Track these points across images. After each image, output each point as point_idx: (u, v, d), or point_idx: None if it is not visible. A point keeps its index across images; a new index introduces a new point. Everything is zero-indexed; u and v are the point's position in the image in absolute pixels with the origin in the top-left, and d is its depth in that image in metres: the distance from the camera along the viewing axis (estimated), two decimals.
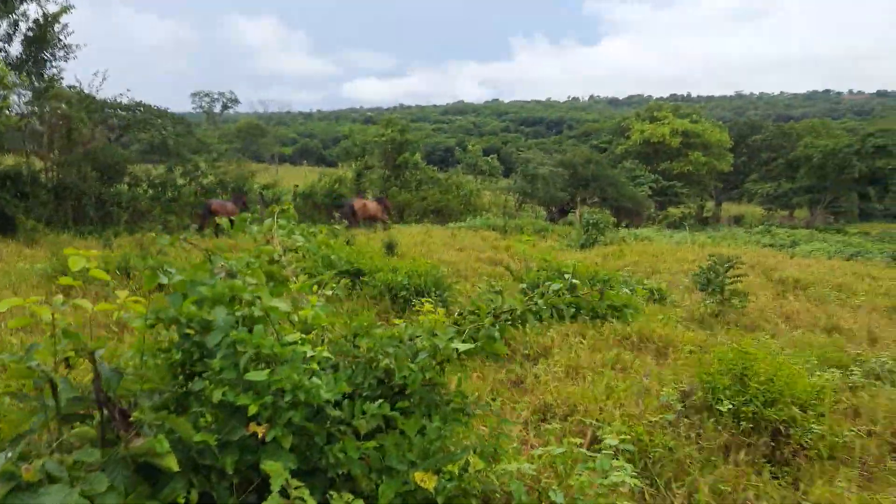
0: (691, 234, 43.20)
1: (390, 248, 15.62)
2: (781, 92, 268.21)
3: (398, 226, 27.47)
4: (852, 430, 5.78)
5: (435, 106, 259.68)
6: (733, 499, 4.68)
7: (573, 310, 9.00)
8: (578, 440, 4.77)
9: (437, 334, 2.92)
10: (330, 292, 3.83)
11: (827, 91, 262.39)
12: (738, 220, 65.19)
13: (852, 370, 7.43)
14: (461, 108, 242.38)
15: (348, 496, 2.45)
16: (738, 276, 10.58)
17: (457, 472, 2.75)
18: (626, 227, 47.37)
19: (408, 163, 32.34)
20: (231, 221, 4.23)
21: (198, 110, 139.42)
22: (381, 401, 2.68)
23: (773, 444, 5.44)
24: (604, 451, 4.27)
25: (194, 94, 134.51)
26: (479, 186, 39.36)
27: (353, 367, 2.88)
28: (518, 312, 3.14)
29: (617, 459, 4.14)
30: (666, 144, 57.97)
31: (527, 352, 7.86)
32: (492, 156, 42.14)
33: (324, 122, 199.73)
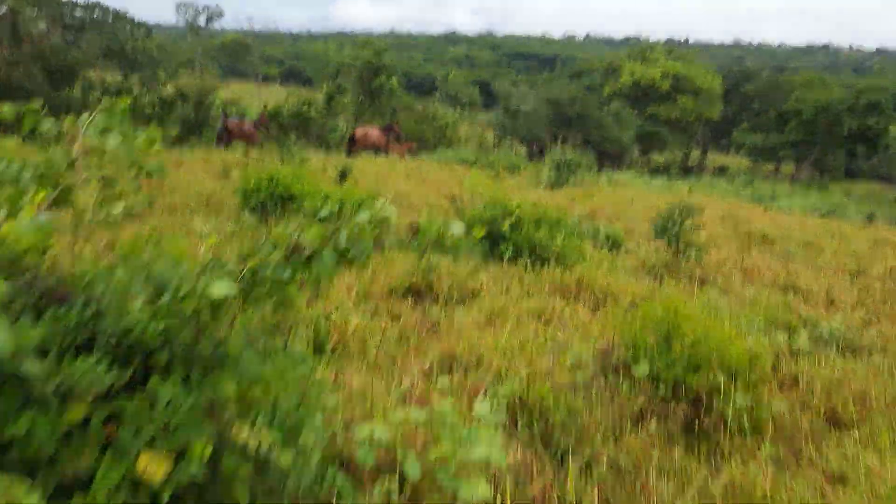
0: (670, 181, 42.52)
1: (343, 175, 14.77)
2: (781, 43, 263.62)
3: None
4: (784, 402, 5.20)
5: (427, 36, 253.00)
6: (634, 476, 4.09)
7: (509, 250, 8.16)
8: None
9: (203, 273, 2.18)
10: (120, 209, 3.03)
11: (826, 46, 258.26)
12: (722, 171, 64.43)
13: (799, 334, 6.85)
14: (454, 39, 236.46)
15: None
16: (695, 227, 9.91)
17: (199, 453, 2.03)
18: (605, 170, 46.66)
19: (383, 88, 30.98)
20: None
21: (181, 22, 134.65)
22: (97, 356, 1.95)
23: (693, 414, 4.85)
24: (481, 417, 3.62)
25: (178, 5, 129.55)
26: (457, 118, 38.12)
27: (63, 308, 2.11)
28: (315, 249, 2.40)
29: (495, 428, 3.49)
30: (656, 87, 56.54)
31: (452, 293, 7.19)
32: (474, 86, 40.71)
33: (313, 44, 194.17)
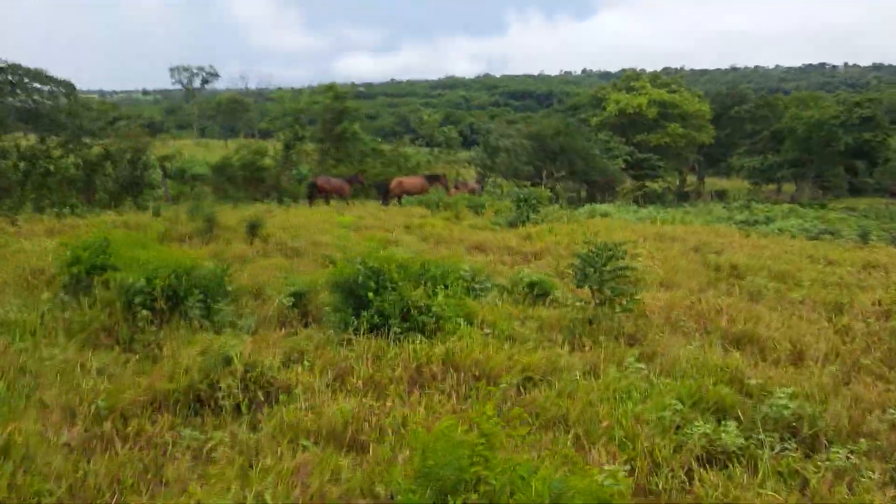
0: (659, 209, 40.62)
1: (253, 228, 13.03)
2: (777, 65, 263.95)
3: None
4: None
5: (427, 81, 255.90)
6: None
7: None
8: None
9: None
10: None
11: (822, 64, 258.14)
12: (721, 195, 62.49)
13: (727, 426, 4.89)
14: (452, 83, 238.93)
15: None
16: (621, 269, 7.99)
17: None
18: (592, 202, 44.84)
19: (346, 133, 29.46)
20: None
21: (176, 85, 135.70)
22: None
23: None
24: None
25: (173, 69, 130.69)
26: (431, 158, 36.58)
27: None
28: None
29: None
30: (642, 115, 55.10)
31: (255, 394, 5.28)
32: (449, 126, 39.23)
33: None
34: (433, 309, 6.75)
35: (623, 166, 51.89)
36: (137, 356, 6.21)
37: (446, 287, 7.27)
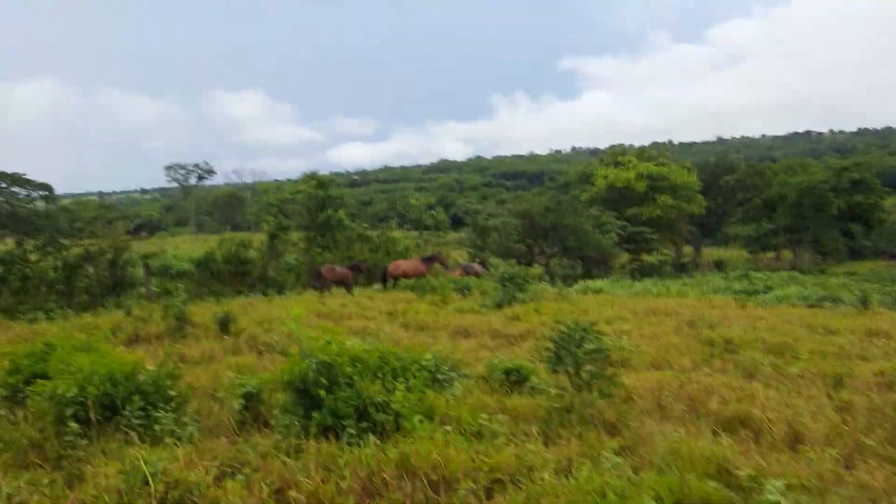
0: (656, 282, 40.16)
1: (224, 323, 12.51)
2: (763, 135, 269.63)
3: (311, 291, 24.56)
4: None
5: (419, 166, 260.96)
6: None
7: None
8: None
9: None
10: None
11: (808, 132, 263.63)
12: (719, 265, 62.19)
13: None
14: (444, 167, 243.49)
15: None
16: (598, 350, 7.45)
17: None
18: (588, 278, 44.43)
19: (330, 220, 29.36)
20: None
21: (172, 183, 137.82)
22: None
23: None
24: None
25: (168, 168, 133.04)
26: (420, 242, 36.44)
27: None
28: None
29: None
30: (632, 189, 55.44)
31: None
32: (437, 209, 39.28)
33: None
34: (392, 406, 6.18)
35: (617, 241, 51.77)
36: (63, 476, 5.60)
37: (409, 379, 6.70)
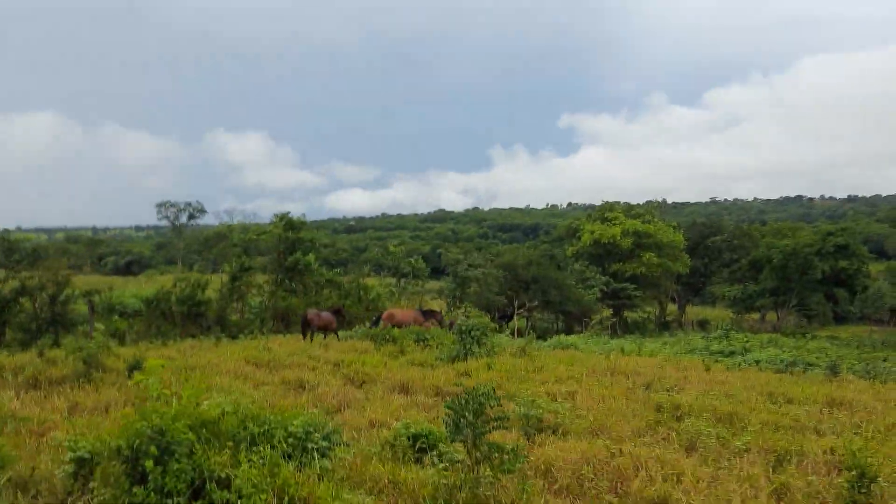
0: (638, 339, 39.32)
1: (132, 370, 11.66)
2: (756, 198, 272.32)
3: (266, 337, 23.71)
4: None
5: (417, 214, 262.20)
6: None
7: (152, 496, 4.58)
8: None
9: None
10: None
11: (799, 196, 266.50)
12: (703, 325, 61.41)
13: None
14: (441, 217, 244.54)
15: None
16: (499, 420, 6.65)
17: None
18: (569, 332, 43.60)
19: (298, 264, 28.56)
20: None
21: (163, 220, 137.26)
22: None
23: None
24: None
25: (160, 205, 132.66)
26: (395, 290, 35.64)
27: None
28: None
29: None
30: (617, 245, 54.99)
31: None
32: (416, 257, 38.55)
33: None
34: (235, 482, 5.31)
35: (599, 296, 51.11)
36: None
37: (273, 448, 5.87)
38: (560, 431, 9.44)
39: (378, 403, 11.26)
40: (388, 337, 21.51)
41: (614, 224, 56.73)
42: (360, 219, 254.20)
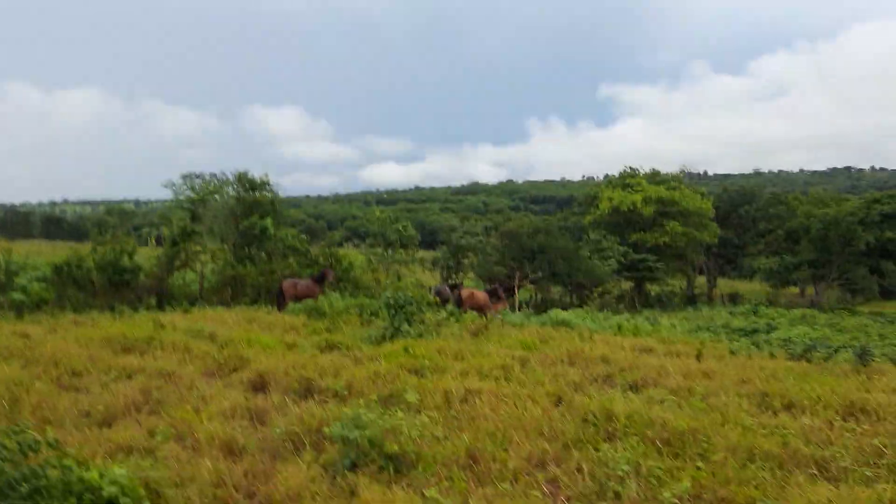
0: (657, 314, 35.44)
1: None
2: (801, 169, 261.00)
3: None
4: None
5: (449, 187, 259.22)
6: None
7: None
8: None
9: None
10: None
11: (848, 168, 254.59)
12: (734, 298, 56.98)
13: None
14: (473, 189, 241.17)
15: None
16: None
17: None
18: (583, 305, 39.83)
19: (255, 228, 25.28)
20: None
21: (188, 192, 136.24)
22: None
23: None
24: None
25: (185, 177, 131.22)
26: (373, 259, 32.29)
27: None
28: None
29: None
30: (638, 213, 50.78)
31: None
32: (404, 223, 35.11)
33: (336, 205, 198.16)
34: None
35: (617, 268, 47.12)
36: None
37: None
38: (390, 468, 6.03)
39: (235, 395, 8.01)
40: (329, 312, 18.29)
41: (635, 191, 52.47)
42: (393, 191, 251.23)
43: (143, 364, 10.69)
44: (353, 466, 6.01)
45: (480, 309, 22.54)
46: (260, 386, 9.70)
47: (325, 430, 6.38)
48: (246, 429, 7.45)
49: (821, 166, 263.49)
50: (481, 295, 23.35)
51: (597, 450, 6.67)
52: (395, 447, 6.08)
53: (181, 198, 26.26)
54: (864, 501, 5.30)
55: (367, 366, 10.80)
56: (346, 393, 9.12)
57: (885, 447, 7.14)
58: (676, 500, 5.41)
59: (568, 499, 5.86)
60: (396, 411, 7.04)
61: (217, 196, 26.24)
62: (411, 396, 8.61)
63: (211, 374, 10.76)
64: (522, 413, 8.09)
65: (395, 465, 6.05)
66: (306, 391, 9.54)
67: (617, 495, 5.62)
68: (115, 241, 22.04)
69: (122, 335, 12.87)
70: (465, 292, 22.98)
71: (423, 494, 5.36)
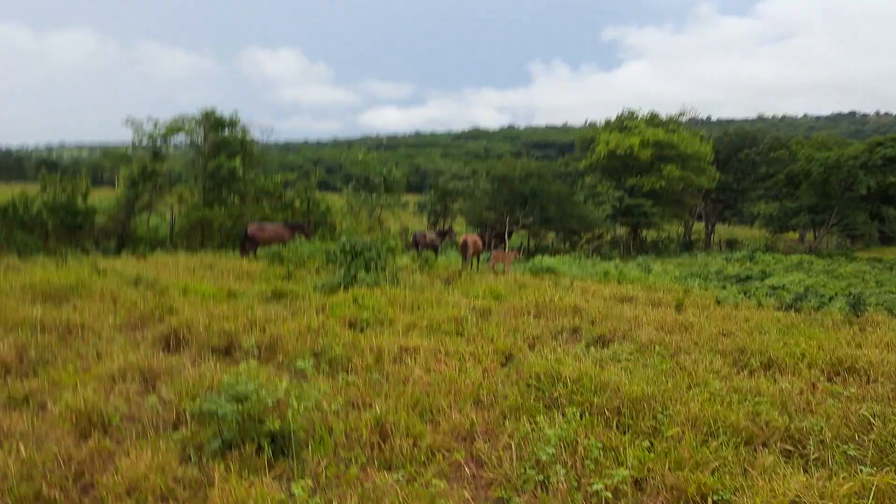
0: (648, 260, 34.34)
1: None
2: (805, 114, 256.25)
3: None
4: None
5: (451, 132, 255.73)
6: None
7: None
8: None
9: None
10: None
11: (853, 112, 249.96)
12: (731, 245, 55.89)
13: None
14: (475, 135, 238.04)
15: None
16: None
17: None
18: (571, 252, 38.75)
19: (221, 170, 23.93)
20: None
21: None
22: None
23: None
24: None
25: (176, 120, 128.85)
26: (354, 202, 31.03)
27: None
28: None
29: None
30: (635, 157, 49.20)
31: None
32: (390, 165, 33.69)
33: (335, 150, 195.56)
34: None
35: (611, 213, 45.89)
36: None
37: None
38: (268, 451, 4.95)
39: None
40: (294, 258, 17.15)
41: (633, 134, 50.76)
42: (393, 136, 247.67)
43: (56, 315, 9.58)
44: (228, 448, 4.95)
45: (478, 255, 22.31)
46: (176, 342, 8.62)
47: (185, 406, 5.31)
48: (132, 396, 6.39)
49: (826, 111, 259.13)
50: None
51: (548, 410, 5.62)
52: (278, 424, 5.00)
53: (143, 136, 24.80)
54: (844, 495, 4.22)
55: (302, 319, 9.70)
56: (265, 351, 8.05)
57: (873, 417, 6.06)
58: (609, 494, 4.34)
59: (489, 484, 4.82)
60: (283, 378, 5.94)
61: (183, 135, 24.75)
62: (336, 352, 7.54)
63: (135, 327, 9.69)
64: (460, 375, 7.02)
65: (280, 447, 4.99)
66: (227, 348, 8.48)
67: (541, 485, 4.56)
68: (67, 181, 20.78)
69: (45, 282, 11.74)
70: (469, 238, 22.48)
71: (289, 488, 4.29)
